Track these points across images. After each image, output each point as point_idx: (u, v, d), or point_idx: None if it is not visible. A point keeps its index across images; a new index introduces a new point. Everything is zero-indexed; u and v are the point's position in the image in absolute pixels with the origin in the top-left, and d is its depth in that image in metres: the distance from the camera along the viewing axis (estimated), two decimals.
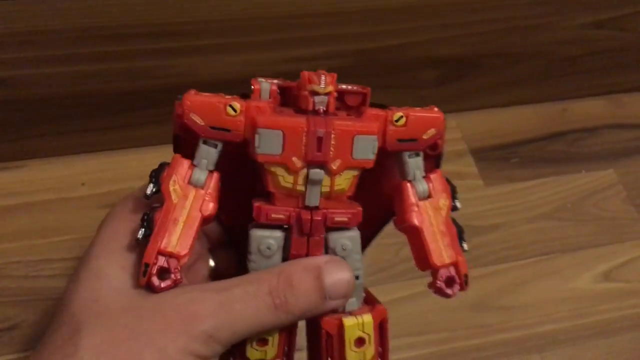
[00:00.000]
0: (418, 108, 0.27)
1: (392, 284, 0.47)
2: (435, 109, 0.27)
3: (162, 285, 0.25)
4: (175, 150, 0.26)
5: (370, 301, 0.28)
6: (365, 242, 0.29)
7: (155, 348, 0.23)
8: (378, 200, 0.28)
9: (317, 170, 0.25)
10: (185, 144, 0.26)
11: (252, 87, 0.26)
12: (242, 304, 0.24)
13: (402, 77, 0.53)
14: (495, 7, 0.50)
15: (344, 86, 0.26)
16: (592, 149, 0.59)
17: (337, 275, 0.25)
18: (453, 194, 0.28)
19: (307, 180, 0.25)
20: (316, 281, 0.25)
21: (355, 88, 0.26)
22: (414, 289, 0.47)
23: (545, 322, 0.47)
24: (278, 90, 0.26)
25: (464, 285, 0.28)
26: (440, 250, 0.27)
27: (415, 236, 0.27)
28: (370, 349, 0.27)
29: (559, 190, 0.55)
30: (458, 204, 0.28)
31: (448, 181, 0.29)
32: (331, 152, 0.25)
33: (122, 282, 0.25)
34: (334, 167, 0.25)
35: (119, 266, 0.25)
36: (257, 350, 0.26)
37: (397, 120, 0.26)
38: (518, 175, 0.55)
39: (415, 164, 0.27)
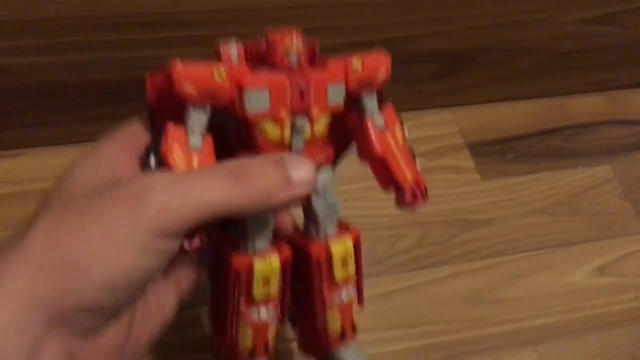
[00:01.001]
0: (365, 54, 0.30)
1: (387, 276, 0.47)
2: (380, 51, 0.30)
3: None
4: (153, 124, 0.27)
5: (344, 225, 0.31)
6: (337, 157, 0.32)
7: (102, 223, 0.23)
8: (339, 130, 0.31)
9: (302, 118, 0.28)
10: (160, 115, 0.27)
11: (221, 52, 0.28)
12: (198, 180, 0.24)
13: (398, 70, 0.52)
14: (493, 1, 0.50)
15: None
16: (588, 144, 0.59)
17: (298, 162, 0.26)
18: (401, 124, 0.32)
19: (292, 129, 0.28)
20: (278, 166, 0.25)
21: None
22: (409, 282, 0.47)
23: (539, 316, 0.47)
24: (244, 53, 0.29)
25: (425, 195, 0.31)
26: (404, 172, 0.31)
27: (380, 164, 0.31)
28: (352, 265, 0.31)
29: (555, 186, 0.55)
30: (406, 133, 0.32)
31: (396, 113, 0.32)
32: (311, 100, 0.28)
33: (87, 177, 0.25)
34: (314, 114, 0.28)
35: (90, 166, 0.26)
36: (262, 290, 0.28)
37: (356, 68, 0.29)
38: (514, 170, 0.56)
39: (372, 103, 0.30)
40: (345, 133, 0.31)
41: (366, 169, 0.51)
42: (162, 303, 0.28)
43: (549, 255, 0.51)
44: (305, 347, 0.33)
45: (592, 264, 0.51)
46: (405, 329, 0.45)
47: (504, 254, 0.50)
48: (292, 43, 0.27)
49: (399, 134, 0.31)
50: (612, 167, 0.57)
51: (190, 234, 0.25)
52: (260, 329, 0.29)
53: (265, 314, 0.29)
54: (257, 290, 0.28)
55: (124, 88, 0.45)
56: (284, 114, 0.27)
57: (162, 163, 0.26)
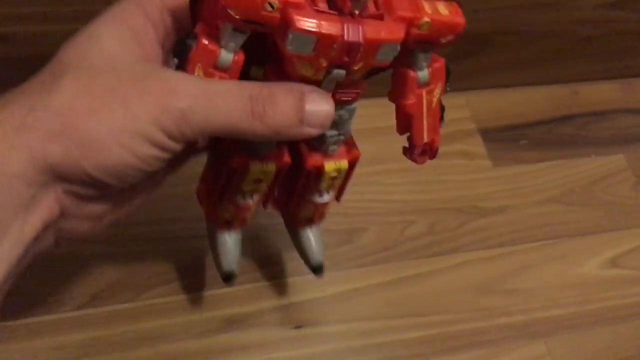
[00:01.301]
0: (443, 7, 0.27)
1: (397, 262, 0.46)
2: (459, 11, 0.28)
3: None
4: (194, 13, 0.26)
5: (349, 145, 0.32)
6: None
7: (128, 110, 0.24)
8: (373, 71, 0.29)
9: (340, 71, 0.26)
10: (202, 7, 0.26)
11: None
12: (221, 98, 0.25)
13: None
14: None
15: None
16: (602, 133, 0.58)
17: (319, 105, 0.26)
18: (447, 78, 0.31)
19: (327, 74, 0.26)
20: (298, 103, 0.26)
21: None
22: (420, 269, 0.46)
23: (550, 307, 0.46)
24: None
25: (434, 155, 0.32)
26: (423, 133, 0.30)
27: (406, 117, 0.30)
28: (339, 181, 0.32)
29: (568, 174, 0.54)
30: (447, 88, 0.31)
31: (446, 67, 0.31)
32: (357, 58, 0.25)
33: (115, 51, 0.26)
34: (356, 68, 0.26)
35: (118, 39, 0.26)
36: (251, 186, 0.30)
37: (422, 26, 0.26)
38: (527, 157, 0.54)
39: (424, 57, 0.28)
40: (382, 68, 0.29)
41: (376, 154, 0.50)
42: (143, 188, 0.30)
43: (560, 246, 0.50)
44: (275, 205, 0.35)
45: (605, 255, 0.50)
46: (414, 318, 0.44)
47: (515, 243, 0.49)
48: None
49: (437, 94, 0.30)
50: (626, 156, 0.56)
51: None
52: (241, 209, 0.31)
53: (250, 199, 0.31)
54: (247, 186, 0.30)
55: None
56: (323, 62, 0.25)
57: (183, 68, 0.25)
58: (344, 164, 0.31)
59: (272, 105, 0.25)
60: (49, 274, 0.40)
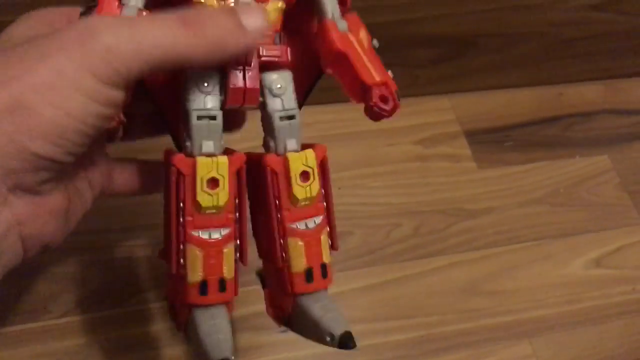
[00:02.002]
0: None
1: (383, 266, 0.46)
2: None
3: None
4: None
5: (307, 145, 0.28)
6: (302, 96, 0.30)
7: (49, 64, 0.22)
8: (308, 55, 0.28)
9: None
10: None
11: None
12: (148, 23, 0.23)
13: (396, 55, 0.52)
14: None
15: None
16: (587, 134, 0.58)
17: (250, 8, 0.25)
18: (367, 32, 0.29)
19: (236, 1, 0.25)
20: (230, 12, 0.24)
21: None
22: (405, 272, 0.46)
23: (535, 308, 0.47)
24: None
25: (396, 100, 0.27)
26: (370, 71, 0.27)
27: (343, 63, 0.27)
28: (315, 185, 0.27)
29: (553, 175, 0.54)
30: (375, 43, 0.29)
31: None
32: None
33: (33, 29, 0.25)
34: None
35: (36, 25, 0.26)
36: (208, 194, 0.25)
37: None
38: (512, 158, 0.55)
39: (331, 3, 0.28)
40: (313, 60, 0.28)
41: (360, 157, 0.50)
42: (94, 174, 0.29)
43: (545, 246, 0.50)
44: (271, 305, 0.30)
45: (589, 255, 0.50)
46: (400, 320, 0.44)
47: (500, 244, 0.49)
48: None
49: (364, 37, 0.28)
50: (610, 157, 0.57)
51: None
52: (211, 253, 0.26)
53: (217, 233, 0.26)
54: (203, 195, 0.25)
55: None
56: None
57: None
58: (309, 152, 0.27)
59: (206, 18, 0.24)
60: (33, 281, 0.40)
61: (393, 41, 0.50)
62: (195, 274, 0.26)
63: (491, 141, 0.55)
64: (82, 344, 0.39)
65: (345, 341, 0.27)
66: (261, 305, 0.41)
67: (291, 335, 0.41)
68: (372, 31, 0.50)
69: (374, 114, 0.27)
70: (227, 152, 0.27)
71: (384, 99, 0.27)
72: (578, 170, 0.55)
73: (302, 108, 0.29)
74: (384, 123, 0.55)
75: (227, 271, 0.26)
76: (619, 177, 0.55)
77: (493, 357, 0.44)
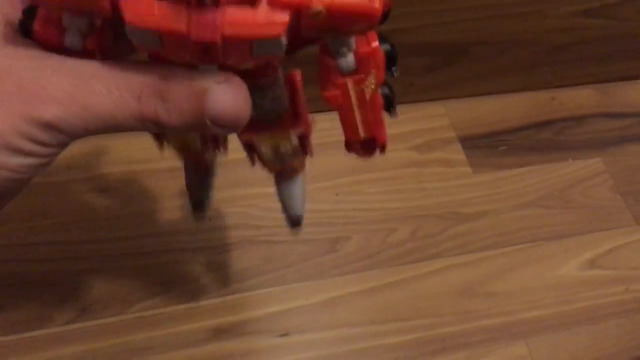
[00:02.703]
0: None
1: (379, 270, 0.47)
2: None
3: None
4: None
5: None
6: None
7: None
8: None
9: (210, 67, 0.21)
10: None
11: None
12: (100, 100, 0.21)
13: None
14: None
15: None
16: (579, 137, 0.59)
17: (225, 103, 0.21)
18: (389, 59, 0.24)
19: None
20: (196, 103, 0.21)
21: None
22: (402, 275, 0.47)
23: (531, 309, 0.48)
24: None
25: (381, 150, 0.27)
26: (356, 126, 0.25)
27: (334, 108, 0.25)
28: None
29: (546, 178, 0.55)
30: (395, 72, 0.25)
31: (385, 40, 0.24)
32: (220, 58, 0.20)
33: None
34: (229, 63, 0.21)
35: None
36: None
37: (314, 16, 0.20)
38: (506, 163, 0.56)
39: (342, 42, 0.23)
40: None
41: (357, 164, 0.51)
42: None
43: (540, 248, 0.51)
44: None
45: (583, 256, 0.51)
46: (397, 323, 0.45)
47: (495, 247, 0.50)
48: None
49: (371, 82, 0.24)
50: (603, 159, 0.58)
51: None
52: None
53: None
54: None
55: None
56: (185, 58, 0.20)
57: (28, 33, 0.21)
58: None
59: (165, 106, 0.21)
60: (37, 289, 0.40)
61: None
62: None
63: (485, 146, 0.56)
64: (87, 350, 0.40)
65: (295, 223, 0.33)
66: (261, 311, 0.42)
67: (292, 339, 0.42)
68: None
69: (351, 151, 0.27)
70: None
71: (366, 148, 0.26)
72: (572, 173, 0.56)
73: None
74: None
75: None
76: (612, 179, 0.56)
77: (489, 358, 0.45)
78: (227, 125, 0.21)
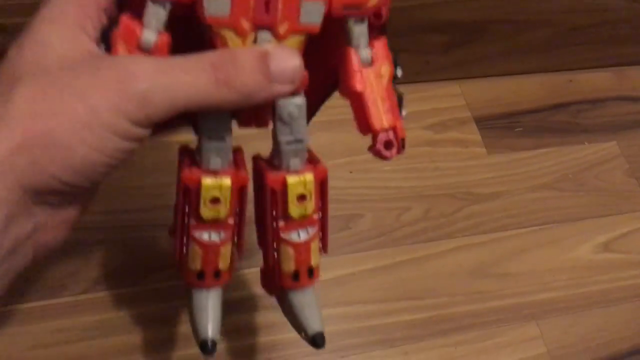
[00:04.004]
0: None
1: (393, 248, 0.47)
2: None
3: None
4: (120, 9, 0.26)
5: (312, 161, 0.29)
6: (312, 110, 0.29)
7: (87, 104, 0.23)
8: (324, 70, 0.28)
9: (265, 34, 0.25)
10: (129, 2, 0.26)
11: None
12: (181, 71, 0.24)
13: (406, 40, 0.52)
14: None
15: None
16: (596, 120, 0.58)
17: (284, 60, 0.25)
18: (395, 62, 0.28)
19: (254, 42, 0.25)
20: (261, 62, 0.24)
21: None
22: (415, 254, 0.47)
23: (543, 291, 0.47)
24: None
25: (400, 148, 0.29)
26: (381, 115, 0.28)
27: (357, 101, 0.28)
28: (310, 204, 0.28)
29: (562, 161, 0.55)
30: (399, 72, 0.29)
31: (392, 49, 0.29)
32: (278, 15, 0.25)
33: (65, 50, 0.24)
34: (281, 31, 0.25)
35: (65, 39, 0.25)
36: (210, 209, 0.27)
37: None
38: (521, 144, 0.55)
39: (359, 31, 0.27)
40: (331, 69, 0.28)
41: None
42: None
43: (553, 231, 0.51)
44: (264, 283, 0.32)
45: (597, 239, 0.51)
46: (409, 301, 0.45)
47: (509, 228, 0.50)
48: None
49: (385, 72, 0.28)
50: (619, 143, 0.57)
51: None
52: (209, 251, 0.28)
53: (216, 236, 0.28)
54: (205, 209, 0.27)
55: None
56: (245, 24, 0.25)
57: (108, 51, 0.25)
58: (308, 176, 0.28)
59: (236, 69, 0.24)
60: (53, 259, 0.41)
61: (404, 27, 0.51)
62: (195, 264, 0.28)
63: (501, 127, 0.56)
64: (100, 320, 0.40)
65: (316, 340, 0.30)
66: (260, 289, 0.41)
67: None
68: None
69: (376, 155, 0.29)
70: (236, 161, 0.28)
71: (388, 145, 0.28)
72: (587, 156, 0.56)
73: (312, 120, 0.29)
74: None
75: (223, 264, 0.29)
76: (628, 164, 0.56)
77: (500, 338, 0.45)
78: (289, 77, 0.25)
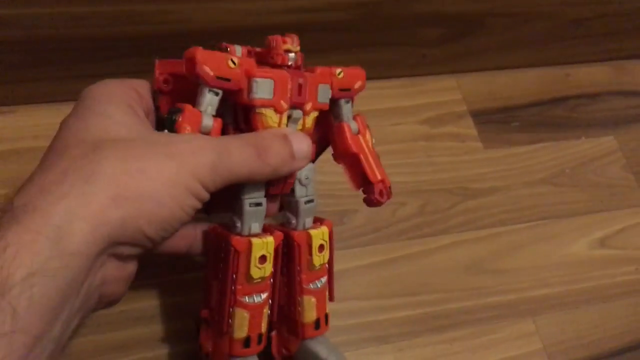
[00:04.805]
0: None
1: (388, 244, 0.46)
2: (359, 67, 0.35)
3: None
4: (156, 105, 0.32)
5: (318, 219, 0.35)
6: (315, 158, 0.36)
7: (173, 166, 0.27)
8: (321, 134, 0.36)
9: (298, 110, 0.32)
10: (169, 98, 0.32)
11: (227, 49, 0.32)
12: (236, 149, 0.29)
13: (403, 33, 0.52)
14: None
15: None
16: (593, 115, 0.58)
17: (301, 142, 0.31)
18: (369, 132, 0.36)
19: (289, 119, 0.32)
20: (286, 143, 0.31)
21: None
22: (410, 249, 0.46)
23: (539, 287, 0.47)
24: (247, 53, 0.33)
25: (390, 194, 0.36)
26: (374, 170, 0.35)
27: (354, 162, 0.35)
28: (327, 253, 0.34)
29: (559, 156, 0.54)
30: (373, 141, 0.36)
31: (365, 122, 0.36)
32: (306, 97, 0.32)
33: (129, 123, 0.28)
34: (307, 108, 0.32)
35: (126, 114, 0.29)
36: (259, 268, 0.31)
37: (338, 74, 0.34)
38: (518, 139, 0.55)
39: (348, 108, 0.35)
40: (323, 134, 0.35)
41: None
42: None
43: (550, 226, 0.50)
44: (277, 348, 0.35)
45: (594, 235, 0.51)
46: (405, 297, 0.44)
47: (505, 223, 0.50)
48: (294, 43, 0.32)
49: (369, 138, 0.36)
50: (617, 138, 0.57)
51: None
52: (255, 314, 0.32)
53: (259, 298, 0.32)
54: (255, 269, 0.31)
55: (124, 44, 0.43)
56: (283, 105, 0.31)
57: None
58: (324, 229, 0.34)
59: (269, 149, 0.30)
60: None
61: (400, 20, 0.50)
62: (242, 331, 0.32)
63: (497, 121, 0.55)
64: (96, 315, 0.39)
65: None
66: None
67: None
68: (381, 9, 0.50)
69: (371, 204, 0.36)
70: (266, 229, 0.33)
71: (381, 194, 0.35)
72: (584, 151, 0.55)
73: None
74: (390, 102, 0.55)
75: (264, 326, 0.33)
76: (625, 158, 0.55)
77: (496, 335, 0.44)
78: (305, 154, 0.31)
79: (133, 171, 0.26)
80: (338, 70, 0.34)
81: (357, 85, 0.35)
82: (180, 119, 0.29)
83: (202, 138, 0.29)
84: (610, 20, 0.57)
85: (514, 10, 0.53)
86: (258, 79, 0.30)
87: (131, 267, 0.29)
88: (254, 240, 0.31)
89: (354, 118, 0.35)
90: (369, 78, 0.35)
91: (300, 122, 0.32)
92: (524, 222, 0.50)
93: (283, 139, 0.31)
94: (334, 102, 0.34)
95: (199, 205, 0.28)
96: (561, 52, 0.59)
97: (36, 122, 0.45)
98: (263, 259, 0.31)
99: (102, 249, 0.25)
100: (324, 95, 0.33)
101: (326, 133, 0.36)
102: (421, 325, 0.43)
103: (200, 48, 0.29)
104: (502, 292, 0.46)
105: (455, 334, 0.44)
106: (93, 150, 0.26)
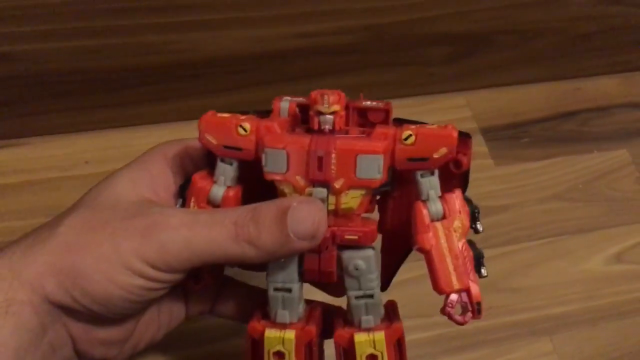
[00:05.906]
0: (432, 126, 0.27)
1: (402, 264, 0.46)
2: (450, 126, 0.27)
3: (196, 286, 0.28)
4: (207, 162, 0.28)
5: (390, 318, 0.29)
6: (391, 269, 0.30)
7: (112, 243, 0.26)
8: (406, 227, 0.28)
9: (320, 189, 0.26)
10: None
11: (273, 105, 0.28)
12: (204, 226, 0.26)
13: (411, 53, 0.52)
14: None
15: (367, 102, 0.28)
16: (604, 128, 0.58)
17: (302, 213, 0.25)
18: (473, 216, 0.28)
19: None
20: (280, 220, 0.25)
21: (376, 104, 0.27)
22: (423, 270, 0.46)
23: (555, 304, 0.47)
24: (298, 109, 0.28)
25: (476, 313, 0.27)
26: (449, 276, 0.27)
27: (426, 259, 0.28)
28: None
29: (571, 171, 0.54)
30: (480, 227, 0.28)
31: (469, 201, 0.28)
32: (333, 171, 0.25)
33: (124, 192, 0.28)
34: (337, 186, 0.25)
35: (132, 182, 0.28)
36: None
37: (405, 139, 0.26)
38: (529, 155, 0.54)
39: (428, 183, 0.27)
40: (405, 217, 0.28)
41: None
42: (169, 312, 0.31)
43: (565, 242, 0.50)
44: None
45: (609, 250, 0.50)
46: (420, 319, 0.44)
47: (519, 241, 0.49)
48: (325, 104, 0.25)
49: (458, 227, 0.27)
50: (629, 151, 0.56)
51: (195, 273, 0.27)
52: None
53: None
54: None
55: (133, 75, 0.44)
56: (300, 181, 0.26)
57: (184, 206, 0.28)
58: (378, 335, 0.27)
59: (257, 227, 0.25)
60: None
61: (407, 40, 0.51)
62: None
63: (508, 137, 0.55)
64: None
65: None
66: None
67: None
68: (389, 30, 0.50)
69: (449, 318, 0.28)
70: (310, 316, 0.28)
71: (463, 309, 0.27)
72: (596, 165, 0.55)
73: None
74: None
75: None
76: (638, 172, 0.55)
77: (513, 355, 0.44)
78: (307, 233, 0.25)
79: (75, 245, 0.26)
80: (406, 133, 0.26)
81: (439, 153, 0.26)
82: (187, 191, 0.27)
83: (167, 213, 0.26)
84: (618, 34, 0.57)
85: (520, 27, 0.53)
86: (267, 150, 0.25)
87: (108, 333, 0.28)
88: (268, 331, 0.27)
89: (443, 196, 0.27)
90: (378, 98, 0.30)
91: (333, 201, 0.26)
92: (538, 239, 0.50)
93: (276, 210, 0.25)
94: (409, 175, 0.27)
95: (150, 284, 0.26)
96: (570, 67, 0.59)
97: (51, 154, 0.45)
98: (279, 356, 0.27)
99: (49, 309, 0.26)
100: (367, 167, 0.25)
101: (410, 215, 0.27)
102: (437, 347, 0.43)
103: (212, 112, 0.27)
104: (517, 311, 0.46)
105: (471, 355, 0.43)
106: (63, 216, 0.27)
